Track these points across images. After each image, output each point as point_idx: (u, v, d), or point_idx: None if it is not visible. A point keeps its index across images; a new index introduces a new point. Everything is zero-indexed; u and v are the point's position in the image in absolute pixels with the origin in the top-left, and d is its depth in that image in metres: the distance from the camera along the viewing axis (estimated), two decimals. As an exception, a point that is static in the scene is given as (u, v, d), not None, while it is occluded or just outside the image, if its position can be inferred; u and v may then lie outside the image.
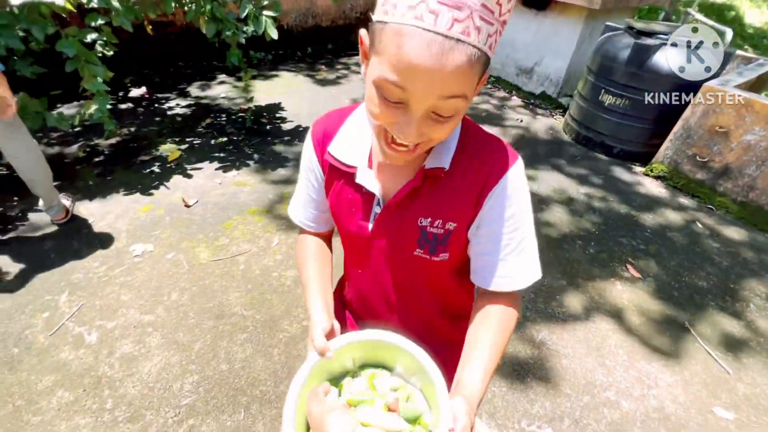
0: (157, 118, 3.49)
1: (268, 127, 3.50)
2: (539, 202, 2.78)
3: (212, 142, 3.22)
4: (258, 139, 3.29)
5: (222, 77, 4.40)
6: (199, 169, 2.88)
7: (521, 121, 3.91)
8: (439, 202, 0.64)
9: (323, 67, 4.89)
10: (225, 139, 3.27)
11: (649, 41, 2.94)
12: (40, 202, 2.20)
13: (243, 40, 2.68)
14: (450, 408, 0.52)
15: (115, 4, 2.14)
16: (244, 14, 2.54)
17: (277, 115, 3.70)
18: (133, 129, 3.30)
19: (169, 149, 3.06)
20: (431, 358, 0.59)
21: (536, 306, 2.01)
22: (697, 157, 2.87)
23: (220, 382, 1.60)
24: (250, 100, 3.93)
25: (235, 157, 3.04)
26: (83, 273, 2.01)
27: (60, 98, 3.56)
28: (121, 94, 3.84)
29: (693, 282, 2.22)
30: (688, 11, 3.35)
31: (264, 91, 4.12)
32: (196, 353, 1.69)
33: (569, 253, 2.35)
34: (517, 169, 0.62)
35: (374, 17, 0.46)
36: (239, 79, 4.38)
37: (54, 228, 2.27)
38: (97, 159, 2.91)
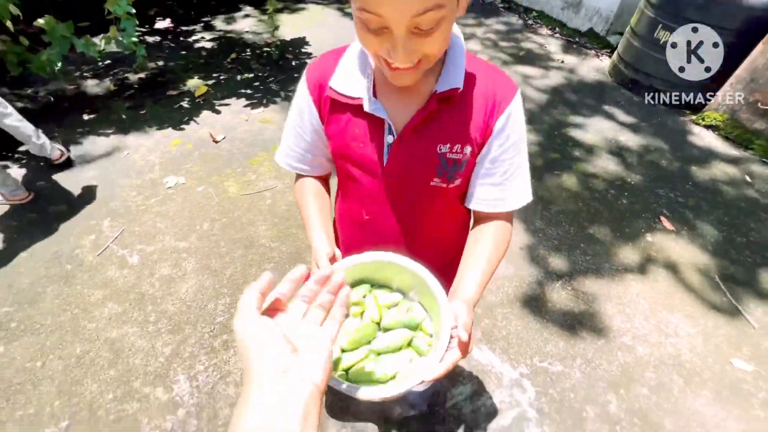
0: (183, 52, 3.44)
1: (293, 63, 3.39)
2: (577, 148, 2.64)
3: (238, 78, 3.17)
4: (283, 76, 3.21)
5: (247, 10, 4.23)
6: (226, 105, 2.87)
7: (563, 62, 3.61)
8: (455, 127, 0.62)
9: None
10: (251, 75, 3.22)
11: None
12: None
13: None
14: (451, 309, 0.56)
15: None
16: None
17: (303, 50, 3.57)
18: (160, 63, 3.29)
19: (195, 84, 3.05)
20: (429, 271, 0.61)
21: (560, 252, 1.99)
22: (759, 104, 2.59)
23: (250, 305, 1.72)
24: (276, 33, 3.78)
25: (261, 93, 3.00)
26: (121, 201, 2.13)
27: (88, 29, 3.55)
28: (147, 26, 3.78)
29: (731, 237, 2.12)
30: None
31: (290, 25, 3.95)
32: (227, 278, 1.81)
33: (601, 203, 2.27)
34: (519, 97, 0.65)
35: None
36: (264, 11, 4.19)
37: (95, 159, 2.37)
38: (127, 93, 2.95)
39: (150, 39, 3.60)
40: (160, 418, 1.37)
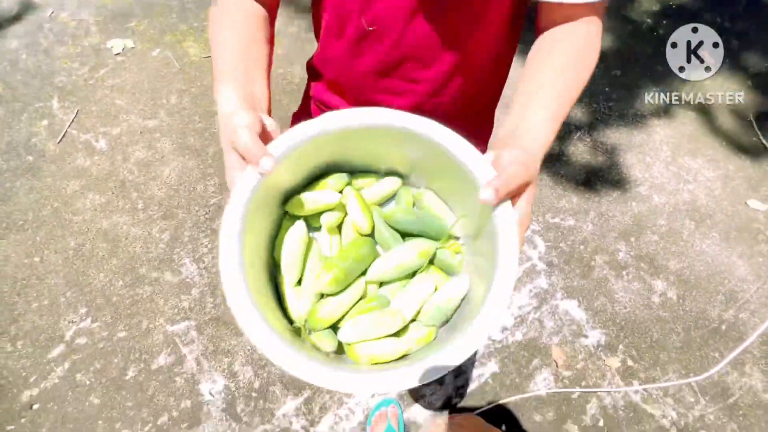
0: None
1: None
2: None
3: None
4: None
5: None
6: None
7: None
8: None
9: None
10: None
11: None
12: None
13: None
14: (486, 159, 0.35)
15: None
16: None
17: None
18: None
19: None
20: (445, 126, 0.37)
21: (580, 98, 1.76)
22: None
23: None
24: None
25: None
26: (65, 76, 1.78)
27: None
28: None
29: (775, 68, 1.86)
30: None
31: None
32: (211, 157, 1.63)
33: (634, 38, 1.92)
34: None
35: None
36: None
37: (12, 23, 1.90)
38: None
39: None
40: (175, 298, 1.39)
